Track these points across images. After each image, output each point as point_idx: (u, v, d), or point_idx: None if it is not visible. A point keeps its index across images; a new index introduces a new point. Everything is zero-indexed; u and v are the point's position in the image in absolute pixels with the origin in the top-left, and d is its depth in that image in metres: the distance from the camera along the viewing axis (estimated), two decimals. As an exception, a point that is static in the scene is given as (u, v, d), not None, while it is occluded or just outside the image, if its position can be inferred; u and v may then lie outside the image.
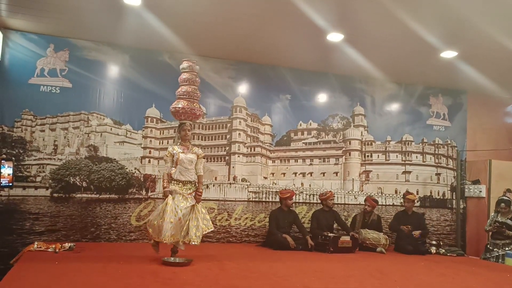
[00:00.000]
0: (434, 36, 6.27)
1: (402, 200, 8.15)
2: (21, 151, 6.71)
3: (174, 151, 5.29)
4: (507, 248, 6.76)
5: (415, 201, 7.79)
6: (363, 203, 7.75)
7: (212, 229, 5.37)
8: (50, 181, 6.77)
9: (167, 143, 7.21)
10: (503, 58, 6.99)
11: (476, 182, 8.62)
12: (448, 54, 6.97)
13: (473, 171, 8.76)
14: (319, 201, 7.69)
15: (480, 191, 8.46)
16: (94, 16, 6.14)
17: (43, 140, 6.87)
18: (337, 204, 8.09)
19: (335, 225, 7.44)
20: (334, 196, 7.54)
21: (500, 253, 6.82)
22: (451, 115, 9.10)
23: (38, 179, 6.74)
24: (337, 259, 6.17)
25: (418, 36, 6.20)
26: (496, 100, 9.35)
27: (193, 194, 5.29)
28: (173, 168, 5.26)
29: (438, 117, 9.05)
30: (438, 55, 7.05)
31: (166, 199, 5.11)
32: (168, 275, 4.41)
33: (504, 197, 7.10)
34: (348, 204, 8.27)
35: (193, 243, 5.09)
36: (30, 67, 6.76)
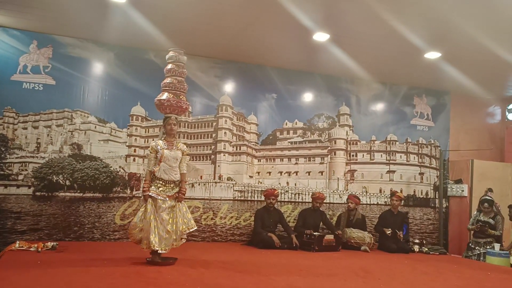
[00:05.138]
0: (418, 37, 6.34)
1: (387, 199, 8.27)
2: (3, 149, 6.60)
3: (158, 147, 5.02)
4: (488, 247, 6.87)
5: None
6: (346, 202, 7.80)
7: (194, 228, 5.15)
8: (33, 179, 6.67)
9: (152, 141, 7.15)
10: (486, 60, 7.10)
11: (458, 181, 8.75)
12: (432, 55, 7.06)
13: (455, 170, 8.89)
14: (304, 200, 7.70)
15: (463, 191, 8.59)
16: (79, 13, 6.07)
17: (26, 137, 6.76)
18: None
19: (320, 224, 7.47)
20: (322, 199, 7.42)
21: (481, 251, 6.92)
22: (434, 115, 9.22)
23: (20, 177, 6.64)
24: (321, 257, 6.20)
25: (402, 37, 6.26)
26: (478, 101, 9.51)
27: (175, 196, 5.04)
28: (156, 166, 4.99)
29: (422, 117, 9.15)
30: (422, 56, 7.12)
31: (145, 204, 4.90)
32: (152, 275, 4.38)
33: (487, 197, 7.19)
34: (333, 203, 8.32)
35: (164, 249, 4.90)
36: (13, 64, 6.65)
